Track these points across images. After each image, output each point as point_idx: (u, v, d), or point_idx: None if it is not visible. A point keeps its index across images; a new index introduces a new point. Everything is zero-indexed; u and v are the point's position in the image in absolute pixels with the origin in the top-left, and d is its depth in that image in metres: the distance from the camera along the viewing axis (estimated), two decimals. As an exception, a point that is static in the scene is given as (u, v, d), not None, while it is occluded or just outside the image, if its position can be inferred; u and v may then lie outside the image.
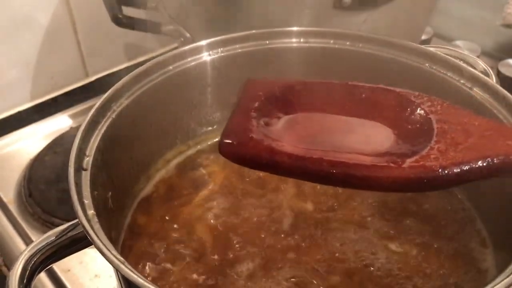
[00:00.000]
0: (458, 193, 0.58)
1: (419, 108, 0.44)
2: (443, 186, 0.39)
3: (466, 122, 0.41)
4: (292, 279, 0.50)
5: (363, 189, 0.40)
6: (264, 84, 0.48)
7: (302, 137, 0.44)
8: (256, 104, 0.45)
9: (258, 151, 0.41)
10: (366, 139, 0.44)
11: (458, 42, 1.03)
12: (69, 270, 0.66)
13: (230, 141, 0.42)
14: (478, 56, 1.00)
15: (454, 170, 0.37)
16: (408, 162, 0.38)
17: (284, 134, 0.44)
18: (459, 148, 0.39)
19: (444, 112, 0.43)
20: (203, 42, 0.60)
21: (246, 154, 0.41)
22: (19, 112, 0.94)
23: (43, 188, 0.76)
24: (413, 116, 0.44)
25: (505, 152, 0.38)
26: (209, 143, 0.66)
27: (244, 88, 0.48)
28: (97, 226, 0.40)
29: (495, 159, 0.37)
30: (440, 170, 0.37)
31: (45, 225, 0.72)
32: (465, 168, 0.37)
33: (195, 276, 0.51)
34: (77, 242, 0.43)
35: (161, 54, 0.59)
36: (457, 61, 0.56)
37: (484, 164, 0.37)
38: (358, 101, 0.47)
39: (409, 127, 0.44)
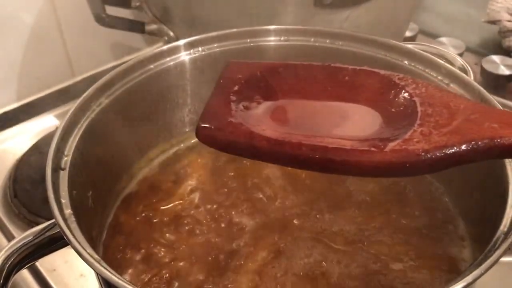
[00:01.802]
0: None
1: (403, 91, 0.42)
2: (427, 171, 0.38)
3: (451, 105, 0.40)
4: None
5: (344, 173, 0.39)
6: (245, 67, 0.47)
7: (282, 121, 0.43)
8: (236, 87, 0.44)
9: (236, 135, 0.40)
10: (348, 123, 0.43)
11: (443, 39, 1.04)
12: (54, 270, 0.66)
13: (208, 125, 0.41)
14: (462, 53, 1.01)
15: (438, 154, 0.36)
16: (390, 146, 0.37)
17: (264, 118, 0.43)
18: (443, 131, 0.37)
19: (429, 95, 0.41)
20: (182, 42, 0.60)
21: (223, 139, 0.40)
22: (5, 112, 0.94)
23: (29, 189, 0.76)
24: (397, 99, 0.43)
25: (490, 135, 0.36)
26: (192, 141, 0.66)
27: (224, 70, 0.47)
28: (73, 225, 0.41)
29: (480, 142, 0.36)
30: (423, 154, 0.36)
31: (31, 225, 0.72)
32: (449, 152, 0.36)
33: (180, 273, 0.51)
34: (55, 241, 0.43)
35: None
36: (434, 57, 0.56)
37: (469, 147, 0.36)
38: (341, 84, 0.45)
39: (393, 110, 0.42)
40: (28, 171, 0.79)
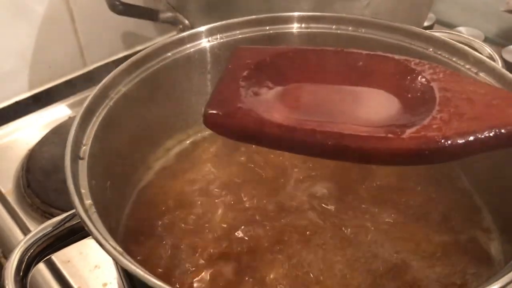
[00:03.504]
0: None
1: (420, 76, 0.41)
2: (446, 159, 0.36)
3: (471, 90, 0.38)
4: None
5: (359, 162, 0.37)
6: (254, 52, 0.45)
7: (294, 107, 0.41)
8: (245, 73, 0.42)
9: (246, 122, 0.38)
10: (363, 110, 0.41)
11: (461, 29, 1.02)
12: (68, 261, 0.65)
13: (216, 112, 0.39)
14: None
15: (458, 141, 0.34)
16: (408, 132, 0.35)
17: (275, 104, 0.41)
18: (464, 117, 0.36)
19: (447, 80, 0.40)
20: (202, 28, 0.58)
21: (232, 126, 0.39)
22: (17, 102, 0.93)
23: (42, 179, 0.75)
24: (413, 85, 0.41)
25: None
26: (209, 131, 0.64)
27: (232, 56, 0.45)
28: (94, 216, 0.39)
29: (502, 129, 0.34)
30: (443, 141, 0.34)
31: (44, 215, 0.71)
32: (470, 139, 0.34)
33: (201, 261, 0.51)
34: (75, 233, 0.42)
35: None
36: (462, 45, 0.54)
37: (491, 134, 0.34)
38: (355, 69, 0.43)
39: (409, 96, 0.40)
40: (41, 161, 0.78)
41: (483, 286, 0.33)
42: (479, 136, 0.34)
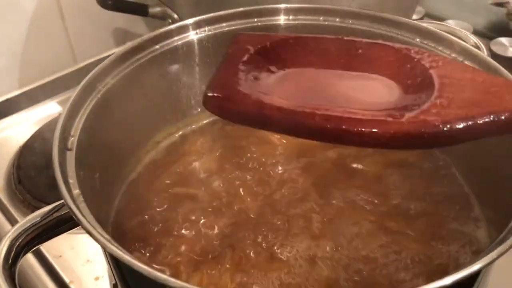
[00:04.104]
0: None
1: (419, 63, 0.41)
2: (445, 143, 0.36)
3: (470, 78, 0.39)
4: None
5: (359, 145, 0.37)
6: (254, 38, 0.46)
7: (294, 91, 0.41)
8: (245, 57, 0.43)
9: (246, 104, 0.38)
10: (363, 94, 0.41)
11: (450, 21, 1.02)
12: (60, 256, 0.65)
13: (216, 94, 0.40)
14: (470, 34, 0.99)
15: (457, 126, 0.35)
16: (408, 116, 0.36)
17: (275, 88, 0.41)
18: (462, 103, 0.36)
19: (446, 67, 0.40)
20: (190, 21, 0.58)
21: (233, 108, 0.39)
22: (8, 100, 0.93)
23: (33, 175, 0.75)
24: (413, 71, 0.41)
25: (511, 108, 0.35)
26: (199, 124, 0.65)
27: (233, 42, 0.45)
28: (82, 205, 0.40)
29: (501, 115, 0.35)
30: (441, 125, 0.35)
31: (35, 211, 0.71)
32: (469, 124, 0.35)
33: (189, 253, 0.51)
34: (63, 223, 0.42)
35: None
36: (448, 35, 0.55)
37: (489, 120, 0.35)
38: (354, 57, 0.44)
39: (409, 82, 0.41)
40: (32, 157, 0.78)
41: (468, 265, 0.33)
42: (477, 121, 0.35)
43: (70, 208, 0.38)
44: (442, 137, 0.35)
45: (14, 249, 0.39)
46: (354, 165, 0.59)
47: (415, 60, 0.41)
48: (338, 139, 0.37)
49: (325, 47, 0.45)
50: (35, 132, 0.83)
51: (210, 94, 0.40)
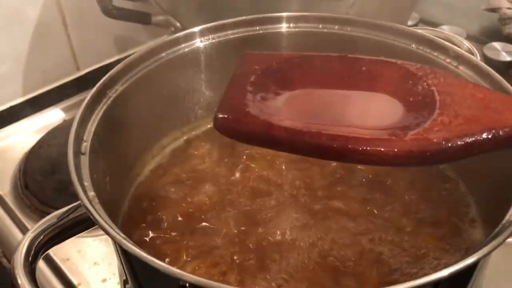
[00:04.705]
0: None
1: (420, 80, 0.42)
2: (447, 160, 0.37)
3: (470, 93, 0.40)
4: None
5: (364, 163, 0.39)
6: (261, 58, 0.47)
7: (300, 111, 0.43)
8: (252, 78, 0.44)
9: (254, 126, 0.40)
10: (367, 113, 0.43)
11: (444, 27, 1.04)
12: (68, 259, 0.67)
13: (226, 116, 0.41)
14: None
15: (458, 143, 0.36)
16: (411, 135, 0.37)
17: (282, 108, 0.43)
18: (463, 120, 0.37)
19: (447, 84, 0.41)
20: (196, 29, 0.60)
21: (242, 129, 0.41)
22: (12, 107, 0.94)
23: (39, 179, 0.76)
24: (414, 89, 0.43)
25: (511, 124, 0.36)
26: (203, 129, 0.67)
27: (240, 62, 0.47)
28: (98, 206, 0.41)
29: (500, 131, 0.36)
30: (443, 143, 0.36)
31: (42, 216, 0.71)
32: (469, 141, 0.36)
33: (197, 253, 0.52)
34: (79, 224, 0.44)
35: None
36: (442, 40, 0.57)
37: (490, 136, 0.36)
38: (358, 74, 0.45)
39: (411, 99, 0.42)
40: (38, 162, 0.80)
41: (462, 259, 0.35)
42: (479, 138, 0.36)
43: (87, 209, 0.40)
44: (444, 154, 0.36)
45: (33, 248, 0.40)
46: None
47: (417, 76, 0.43)
48: (344, 158, 0.39)
49: (330, 65, 0.47)
50: (41, 138, 0.85)
51: (220, 116, 0.41)
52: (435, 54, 0.58)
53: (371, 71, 0.45)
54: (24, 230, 0.72)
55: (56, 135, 0.85)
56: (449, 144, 0.36)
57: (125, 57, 0.57)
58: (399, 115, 0.41)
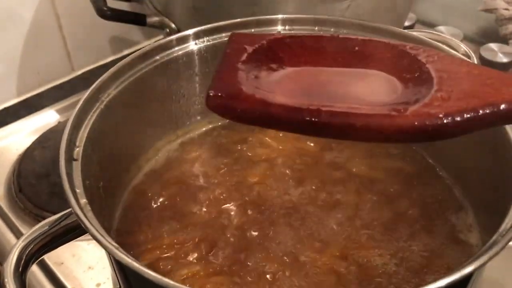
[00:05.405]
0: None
1: (415, 59, 0.42)
2: (448, 135, 0.37)
3: (466, 71, 0.40)
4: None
5: (364, 140, 0.38)
6: (251, 37, 0.46)
7: (296, 89, 0.42)
8: (244, 57, 0.43)
9: (250, 103, 0.38)
10: (364, 90, 0.42)
11: (441, 28, 1.04)
12: (62, 263, 0.66)
13: (219, 94, 0.39)
14: (460, 41, 1.01)
15: (460, 117, 0.36)
16: (412, 109, 0.36)
17: (276, 86, 0.41)
18: (462, 96, 0.37)
19: (442, 62, 0.41)
20: (190, 31, 0.60)
21: (237, 107, 0.39)
22: (6, 108, 0.94)
23: (33, 183, 0.76)
24: (410, 67, 0.42)
25: (508, 99, 0.36)
26: (197, 132, 0.67)
27: (229, 41, 0.45)
28: (90, 214, 0.41)
29: (500, 105, 0.36)
30: (444, 117, 0.35)
31: (37, 219, 0.72)
32: (470, 115, 0.36)
33: (189, 258, 0.52)
34: (71, 231, 0.44)
35: (146, 46, 0.59)
36: (439, 44, 0.57)
37: (489, 110, 0.36)
38: (351, 54, 0.44)
39: (407, 77, 0.41)
40: (32, 165, 0.79)
41: (461, 267, 0.35)
42: (478, 112, 0.36)
43: (79, 218, 0.39)
44: (445, 129, 0.36)
45: (23, 258, 0.40)
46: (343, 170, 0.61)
47: (411, 55, 0.42)
48: (344, 135, 0.38)
49: (322, 45, 0.45)
50: (35, 140, 0.84)
51: (213, 94, 0.39)
52: (432, 57, 0.57)
53: (364, 50, 0.45)
54: (18, 234, 0.71)
55: (51, 137, 0.84)
56: (450, 119, 0.36)
57: (121, 58, 0.57)
58: (397, 92, 0.41)
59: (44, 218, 0.70)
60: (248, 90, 0.39)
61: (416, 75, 0.41)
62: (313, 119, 0.37)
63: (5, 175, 0.80)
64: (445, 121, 0.36)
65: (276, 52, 0.45)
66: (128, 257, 0.37)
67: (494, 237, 0.38)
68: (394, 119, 0.36)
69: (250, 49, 0.44)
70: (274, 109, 0.38)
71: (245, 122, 0.40)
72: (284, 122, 0.38)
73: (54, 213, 0.70)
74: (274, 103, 0.38)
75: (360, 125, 0.36)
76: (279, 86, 0.42)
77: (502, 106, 0.36)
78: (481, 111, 0.36)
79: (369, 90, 0.42)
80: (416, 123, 0.36)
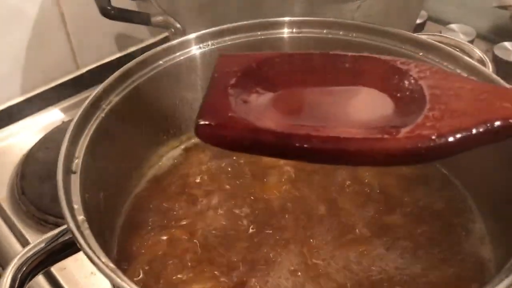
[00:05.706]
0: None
1: (407, 75, 0.41)
2: (442, 156, 0.36)
3: (459, 86, 0.39)
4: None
5: (357, 165, 0.38)
6: (239, 59, 0.45)
7: (286, 113, 0.41)
8: (233, 81, 0.41)
9: (239, 131, 0.37)
10: (355, 111, 0.41)
11: (453, 25, 1.02)
12: (64, 269, 0.66)
13: (208, 122, 0.38)
14: (473, 39, 0.99)
15: (452, 138, 0.35)
16: (403, 132, 0.35)
17: (266, 111, 0.40)
18: (455, 114, 0.36)
19: (434, 77, 0.40)
20: (193, 35, 0.58)
21: (226, 136, 0.38)
22: (10, 107, 0.93)
23: (37, 185, 0.75)
24: (401, 84, 0.41)
25: (502, 115, 0.35)
26: (201, 137, 0.65)
27: (217, 65, 0.44)
28: (87, 232, 0.40)
29: (493, 123, 0.35)
30: (437, 139, 0.35)
31: (39, 222, 0.72)
32: (463, 135, 0.35)
33: (195, 271, 0.51)
34: (68, 247, 0.42)
35: (151, 44, 0.57)
36: (452, 49, 0.55)
37: (483, 129, 0.35)
38: (342, 71, 0.43)
39: (399, 95, 0.40)
40: (35, 167, 0.78)
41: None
42: (472, 131, 0.35)
43: (75, 237, 0.38)
44: (438, 150, 0.35)
45: (18, 278, 0.39)
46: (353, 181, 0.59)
47: (403, 71, 0.41)
48: (336, 160, 0.37)
49: (311, 63, 0.44)
50: (39, 141, 0.83)
51: (202, 123, 0.39)
52: (444, 63, 0.55)
53: (355, 67, 0.44)
54: (20, 237, 0.71)
55: (55, 137, 0.83)
56: (443, 140, 0.35)
57: (126, 55, 0.55)
58: (388, 111, 0.40)
59: (46, 222, 0.71)
60: (238, 117, 0.38)
61: (408, 93, 0.40)
62: (303, 146, 0.36)
63: (8, 177, 0.79)
64: (438, 142, 0.35)
65: (266, 73, 0.43)
66: (125, 282, 0.35)
67: (509, 264, 0.36)
68: (387, 143, 0.35)
69: (238, 72, 0.42)
70: (264, 137, 0.37)
71: (236, 150, 0.39)
72: (275, 150, 0.37)
73: (57, 217, 0.71)
74: (264, 129, 0.37)
75: (352, 151, 0.35)
76: (270, 109, 0.41)
77: (497, 124, 0.35)
78: (474, 130, 0.35)
79: (361, 109, 0.41)
80: (408, 146, 0.35)
